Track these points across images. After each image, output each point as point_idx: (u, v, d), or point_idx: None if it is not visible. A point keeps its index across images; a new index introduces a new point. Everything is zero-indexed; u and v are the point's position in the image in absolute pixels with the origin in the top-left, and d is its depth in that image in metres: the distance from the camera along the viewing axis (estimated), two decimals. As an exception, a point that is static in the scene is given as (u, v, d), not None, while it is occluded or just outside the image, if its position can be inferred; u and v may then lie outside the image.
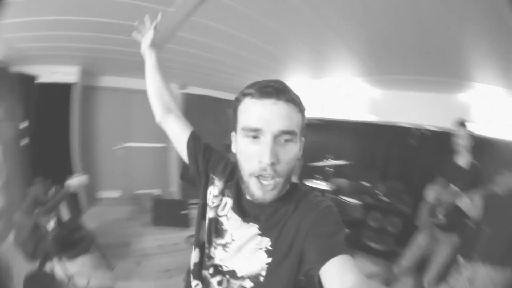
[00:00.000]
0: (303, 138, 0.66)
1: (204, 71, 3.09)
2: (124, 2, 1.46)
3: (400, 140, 2.86)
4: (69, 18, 1.71)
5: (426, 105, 2.68)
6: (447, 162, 2.10)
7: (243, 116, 0.61)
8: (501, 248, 1.55)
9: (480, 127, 2.25)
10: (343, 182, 3.21)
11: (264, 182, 0.59)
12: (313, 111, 3.62)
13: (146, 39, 0.97)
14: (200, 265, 0.74)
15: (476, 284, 1.62)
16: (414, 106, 2.72)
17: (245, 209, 0.69)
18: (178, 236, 2.89)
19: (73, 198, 2.22)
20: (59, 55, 2.49)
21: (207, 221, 0.74)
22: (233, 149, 0.66)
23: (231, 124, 0.66)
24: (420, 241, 2.21)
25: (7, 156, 1.48)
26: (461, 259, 1.74)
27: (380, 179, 3.02)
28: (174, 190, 4.16)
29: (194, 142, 0.81)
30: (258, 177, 0.59)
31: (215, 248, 0.71)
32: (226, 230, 0.70)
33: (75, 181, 1.85)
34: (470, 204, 1.73)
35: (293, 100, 0.59)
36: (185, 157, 0.82)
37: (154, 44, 0.97)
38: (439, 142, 2.52)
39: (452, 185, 1.89)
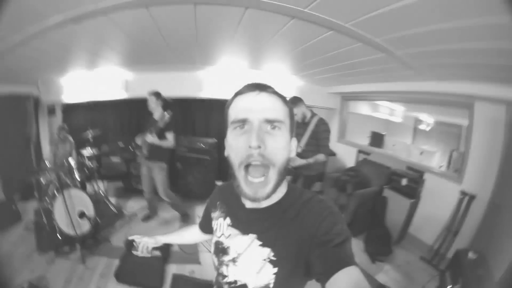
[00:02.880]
0: (295, 139, 0.67)
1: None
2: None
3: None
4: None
5: (172, 81, 3.73)
6: (149, 118, 2.91)
7: (232, 112, 0.63)
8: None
9: (211, 92, 3.80)
10: (104, 146, 3.91)
11: (254, 180, 0.59)
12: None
13: (150, 242, 1.07)
14: (217, 283, 0.77)
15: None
16: (162, 82, 3.62)
17: (242, 221, 0.71)
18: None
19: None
20: None
21: (213, 247, 0.79)
22: (226, 153, 0.65)
23: (224, 132, 0.67)
24: (143, 172, 3.02)
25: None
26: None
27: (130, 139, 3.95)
28: None
29: (204, 221, 0.97)
30: (247, 169, 0.59)
31: (227, 266, 0.72)
32: (228, 247, 0.72)
33: None
34: (155, 139, 2.66)
35: (276, 93, 0.63)
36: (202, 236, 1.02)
37: (155, 239, 1.08)
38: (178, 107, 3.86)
39: (148, 132, 2.72)
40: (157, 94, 2.91)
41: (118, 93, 3.95)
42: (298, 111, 2.54)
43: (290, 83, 3.95)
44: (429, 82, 2.79)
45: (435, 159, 4.13)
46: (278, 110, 0.61)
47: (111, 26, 1.77)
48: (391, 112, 5.30)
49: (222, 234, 0.75)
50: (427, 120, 5.00)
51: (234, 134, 0.62)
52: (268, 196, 0.60)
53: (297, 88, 4.02)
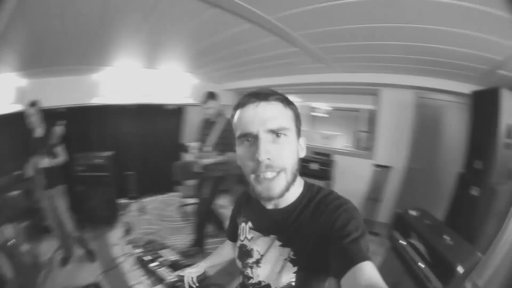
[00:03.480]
0: (304, 138, 0.68)
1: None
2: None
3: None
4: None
5: (63, 87, 3.12)
6: (29, 138, 2.33)
7: (236, 126, 0.64)
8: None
9: (107, 98, 3.28)
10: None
11: (267, 176, 0.60)
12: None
13: (193, 272, 1.04)
14: (242, 285, 0.79)
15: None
16: (57, 89, 3.05)
17: (263, 223, 0.73)
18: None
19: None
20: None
21: (237, 250, 0.80)
22: (238, 162, 0.67)
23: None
24: (44, 205, 2.40)
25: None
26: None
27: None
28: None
29: (230, 229, 0.96)
30: (258, 175, 0.60)
31: (251, 268, 0.73)
32: (252, 249, 0.74)
33: None
34: (51, 161, 2.23)
35: (277, 98, 0.62)
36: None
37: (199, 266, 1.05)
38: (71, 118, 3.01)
39: (36, 155, 2.22)
40: (36, 105, 2.31)
41: (11, 106, 2.98)
42: (215, 106, 2.49)
43: (184, 81, 3.81)
44: (337, 74, 3.19)
45: (339, 141, 4.63)
46: (281, 117, 0.61)
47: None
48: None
49: (246, 237, 0.77)
50: (324, 107, 5.38)
51: (241, 147, 0.63)
52: (282, 194, 0.62)
53: (191, 86, 3.89)
